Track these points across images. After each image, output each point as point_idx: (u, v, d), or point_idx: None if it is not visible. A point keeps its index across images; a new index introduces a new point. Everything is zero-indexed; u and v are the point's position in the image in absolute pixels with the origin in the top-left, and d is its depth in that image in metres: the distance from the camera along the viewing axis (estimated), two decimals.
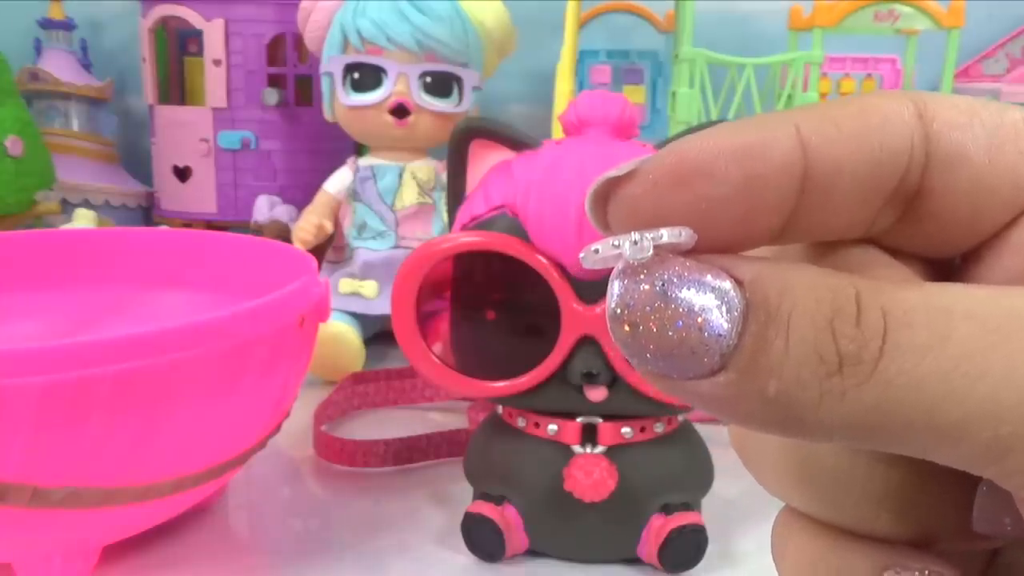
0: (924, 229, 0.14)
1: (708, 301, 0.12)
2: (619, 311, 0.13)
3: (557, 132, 0.62)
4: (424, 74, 0.72)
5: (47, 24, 0.98)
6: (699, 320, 0.12)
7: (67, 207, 0.90)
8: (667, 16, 0.98)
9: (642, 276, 0.13)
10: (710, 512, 0.46)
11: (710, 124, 0.45)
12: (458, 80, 0.74)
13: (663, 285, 0.13)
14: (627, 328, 0.13)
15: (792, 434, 0.12)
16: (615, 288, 0.13)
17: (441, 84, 0.73)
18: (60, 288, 0.54)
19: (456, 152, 0.46)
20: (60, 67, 0.97)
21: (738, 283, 0.12)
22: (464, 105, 0.74)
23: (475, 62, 0.75)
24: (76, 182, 0.94)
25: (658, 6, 1.00)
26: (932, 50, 0.81)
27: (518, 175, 0.42)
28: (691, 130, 0.44)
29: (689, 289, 0.12)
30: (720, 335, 0.12)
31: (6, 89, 0.82)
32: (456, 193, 0.46)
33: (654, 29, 1.00)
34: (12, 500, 0.33)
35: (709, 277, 0.12)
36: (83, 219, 0.79)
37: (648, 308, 0.12)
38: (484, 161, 0.45)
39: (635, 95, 0.97)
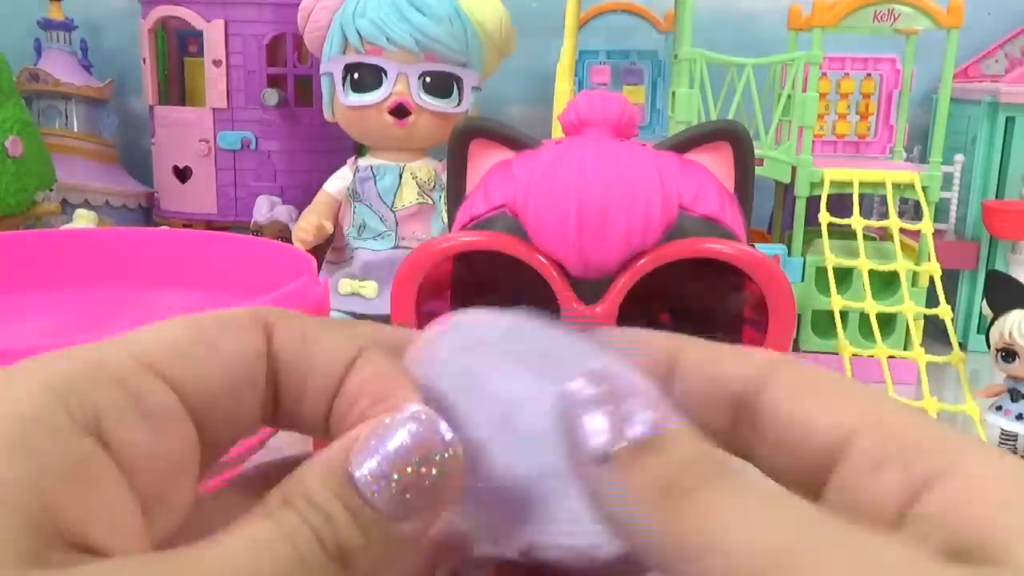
0: (770, 461, 0.18)
1: None
2: None
3: (557, 132, 0.62)
4: (424, 74, 0.72)
5: (47, 24, 0.98)
6: None
7: (67, 207, 0.90)
8: (667, 16, 0.98)
9: None
10: None
11: (710, 124, 0.45)
12: (458, 80, 0.74)
13: None
14: None
15: None
16: None
17: (441, 84, 0.73)
18: (60, 288, 0.54)
19: (456, 152, 0.46)
20: (60, 67, 0.97)
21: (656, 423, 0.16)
22: (464, 105, 0.74)
23: (475, 62, 0.75)
24: (76, 182, 0.94)
25: (658, 6, 1.00)
26: (931, 50, 0.81)
27: (518, 175, 0.42)
28: (691, 130, 0.44)
29: None
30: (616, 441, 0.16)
31: (6, 89, 0.82)
32: (456, 193, 0.46)
33: (654, 29, 1.01)
34: None
35: None
36: (83, 219, 0.79)
37: None
38: (484, 161, 0.45)
39: (635, 95, 0.97)
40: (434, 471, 0.15)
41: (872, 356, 0.64)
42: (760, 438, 0.17)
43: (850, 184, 0.73)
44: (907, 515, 0.15)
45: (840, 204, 0.73)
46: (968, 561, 0.14)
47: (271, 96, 0.85)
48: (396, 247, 0.74)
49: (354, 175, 0.75)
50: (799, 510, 0.15)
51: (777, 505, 0.15)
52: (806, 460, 0.17)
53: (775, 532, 0.14)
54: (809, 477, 0.17)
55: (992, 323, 0.58)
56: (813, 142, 0.74)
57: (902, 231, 0.72)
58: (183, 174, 0.89)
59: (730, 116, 0.72)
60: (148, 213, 0.99)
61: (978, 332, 0.83)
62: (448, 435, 0.15)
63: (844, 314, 0.69)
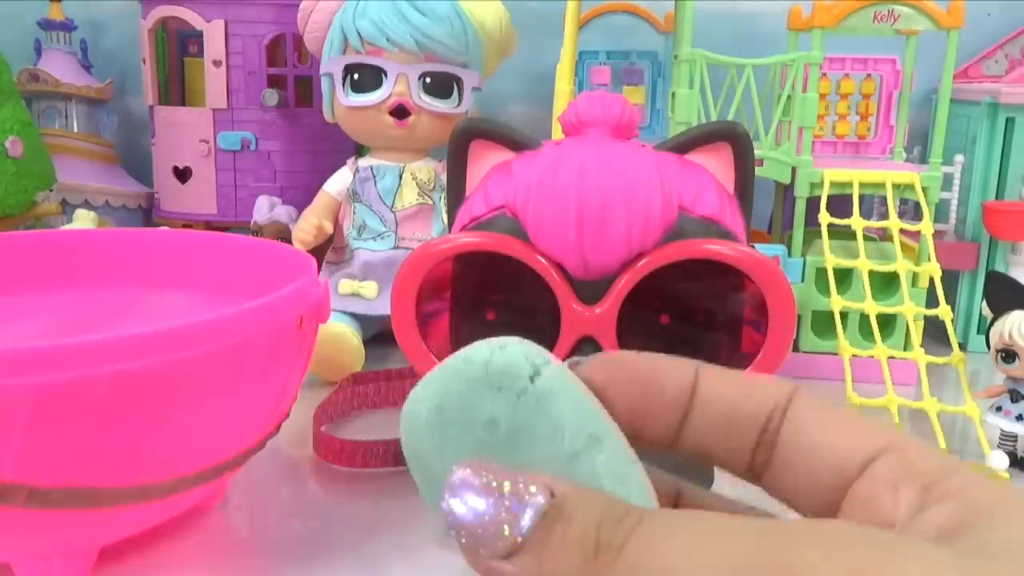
0: (784, 482, 0.19)
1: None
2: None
3: (557, 132, 0.62)
4: (424, 75, 0.72)
5: (47, 25, 0.98)
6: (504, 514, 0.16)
7: (67, 208, 0.90)
8: (667, 16, 0.98)
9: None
10: None
11: (710, 125, 0.45)
12: (458, 81, 0.74)
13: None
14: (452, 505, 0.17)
15: None
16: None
17: (441, 85, 0.73)
18: (60, 289, 0.54)
19: (456, 152, 0.46)
20: (60, 68, 0.97)
21: (552, 494, 0.17)
22: (464, 106, 0.74)
23: (475, 63, 0.74)
24: (76, 183, 0.94)
25: (658, 6, 1.00)
26: (932, 50, 0.81)
27: (518, 175, 0.42)
28: (691, 130, 0.44)
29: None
30: (520, 527, 0.16)
31: (6, 90, 0.82)
32: (456, 193, 0.46)
33: (654, 29, 1.00)
34: (8, 501, 0.33)
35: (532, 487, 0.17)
36: (83, 220, 0.79)
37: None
38: (484, 161, 0.45)
39: (635, 95, 0.97)
40: None
41: (872, 356, 0.64)
42: (780, 460, 0.19)
43: (850, 185, 0.73)
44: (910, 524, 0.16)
45: (840, 205, 0.73)
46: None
47: (271, 96, 0.85)
48: (396, 247, 0.74)
49: (354, 175, 0.75)
50: (744, 526, 0.15)
51: (721, 528, 0.16)
52: (825, 480, 0.18)
53: (735, 552, 0.15)
54: (826, 496, 0.18)
55: (992, 324, 0.58)
56: (813, 143, 0.74)
57: (902, 232, 0.72)
58: (183, 174, 0.89)
59: (730, 117, 0.72)
60: (148, 213, 0.99)
61: (978, 333, 0.83)
62: None
63: (844, 315, 0.69)
